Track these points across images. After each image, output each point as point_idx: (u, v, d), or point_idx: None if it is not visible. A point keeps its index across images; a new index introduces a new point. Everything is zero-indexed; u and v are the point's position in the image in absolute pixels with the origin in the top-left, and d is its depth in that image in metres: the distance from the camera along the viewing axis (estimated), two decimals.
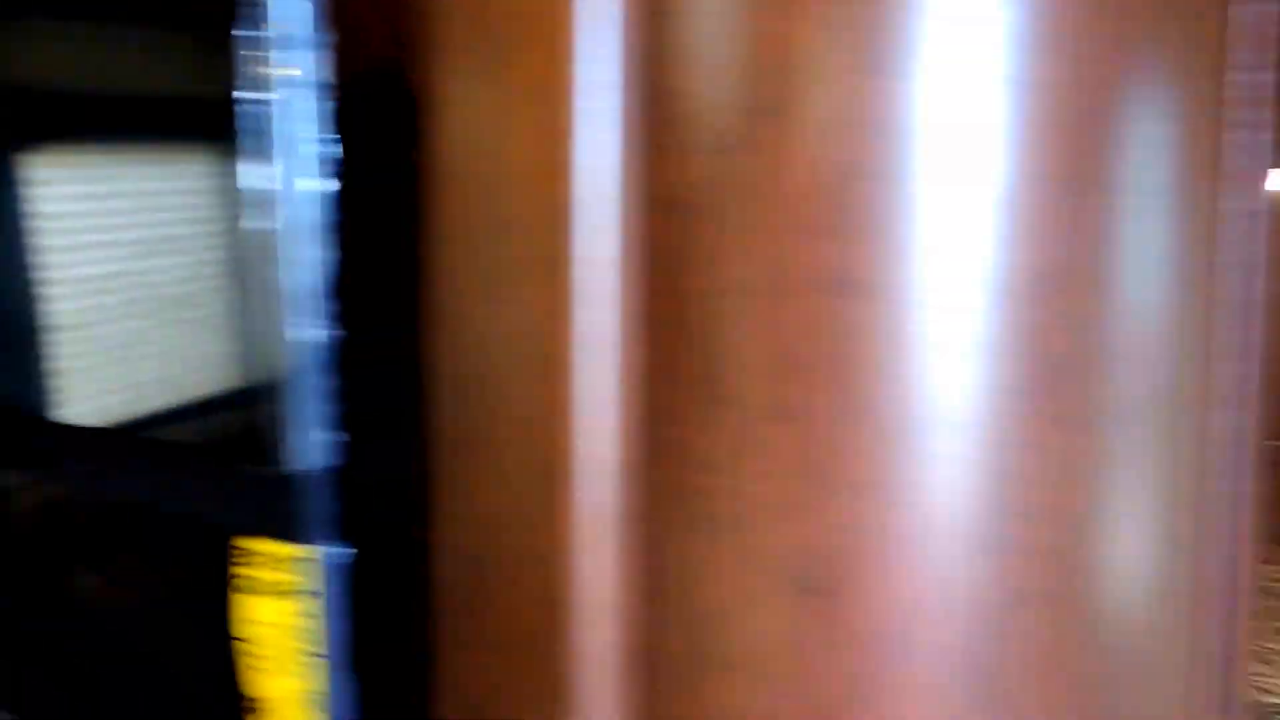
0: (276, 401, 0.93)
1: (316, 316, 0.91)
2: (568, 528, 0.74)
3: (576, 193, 0.73)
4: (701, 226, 0.70)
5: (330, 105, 0.91)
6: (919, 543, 0.68)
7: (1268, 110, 0.79)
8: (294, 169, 0.90)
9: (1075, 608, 0.72)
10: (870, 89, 0.65)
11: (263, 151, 0.91)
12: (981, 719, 0.69)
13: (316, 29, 0.89)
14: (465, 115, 0.82)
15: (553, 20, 0.73)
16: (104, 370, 1.71)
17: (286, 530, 0.95)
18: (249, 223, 0.94)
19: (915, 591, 0.68)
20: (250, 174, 0.92)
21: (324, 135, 0.92)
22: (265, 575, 0.98)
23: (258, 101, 0.90)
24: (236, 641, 1.01)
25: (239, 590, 1.00)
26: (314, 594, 0.95)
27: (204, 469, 1.18)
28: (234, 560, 1.00)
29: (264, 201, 0.92)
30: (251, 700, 1.03)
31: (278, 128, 0.90)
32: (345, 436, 0.95)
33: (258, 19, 0.89)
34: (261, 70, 0.90)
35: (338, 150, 0.94)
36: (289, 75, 0.90)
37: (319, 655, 0.96)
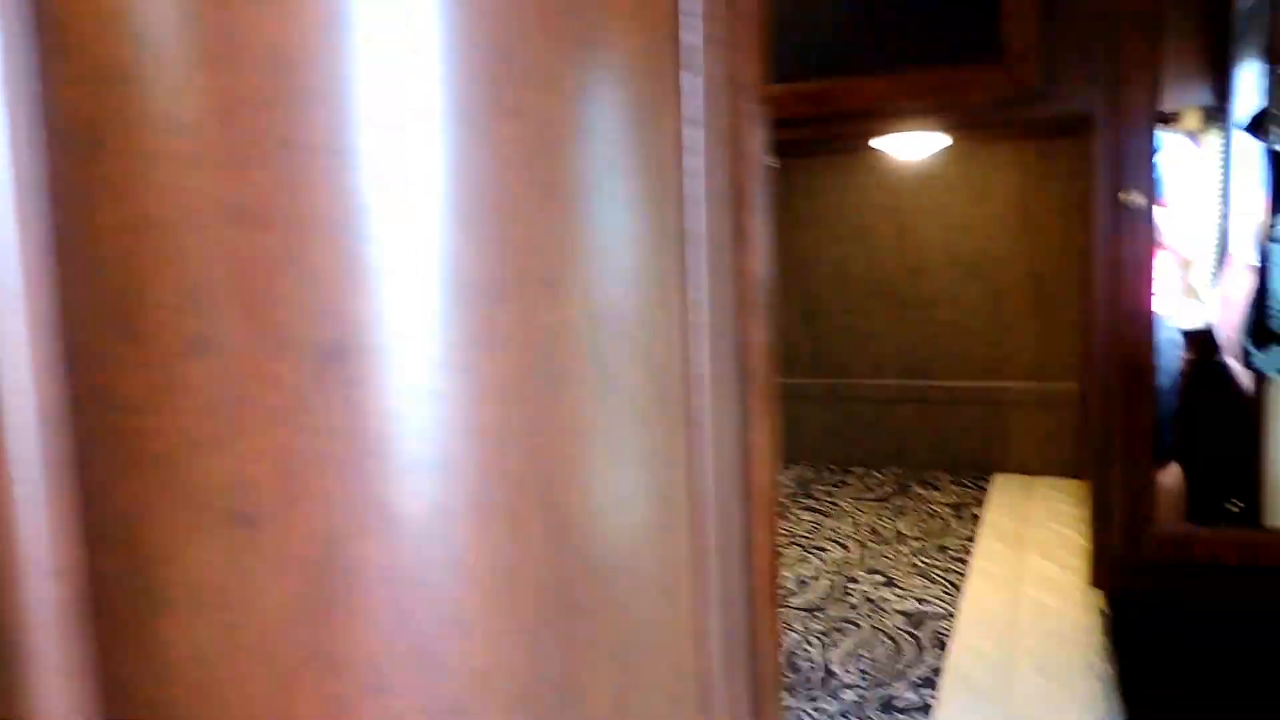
0: None
1: None
2: None
3: None
4: (106, 160, 0.68)
5: None
6: (353, 467, 0.69)
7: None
8: None
9: (540, 523, 0.75)
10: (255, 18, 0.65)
11: None
12: (454, 641, 0.71)
13: None
14: None
15: None
16: None
17: None
18: None
19: (348, 515, 0.69)
20: None
21: None
22: None
23: None
24: None
25: None
26: None
27: None
28: None
29: None
30: None
31: None
32: None
33: None
34: None
35: None
36: None
37: None
